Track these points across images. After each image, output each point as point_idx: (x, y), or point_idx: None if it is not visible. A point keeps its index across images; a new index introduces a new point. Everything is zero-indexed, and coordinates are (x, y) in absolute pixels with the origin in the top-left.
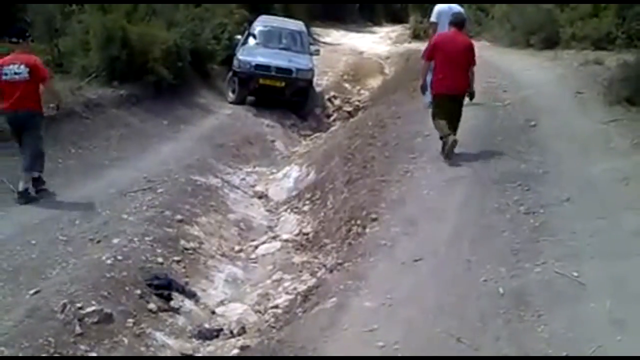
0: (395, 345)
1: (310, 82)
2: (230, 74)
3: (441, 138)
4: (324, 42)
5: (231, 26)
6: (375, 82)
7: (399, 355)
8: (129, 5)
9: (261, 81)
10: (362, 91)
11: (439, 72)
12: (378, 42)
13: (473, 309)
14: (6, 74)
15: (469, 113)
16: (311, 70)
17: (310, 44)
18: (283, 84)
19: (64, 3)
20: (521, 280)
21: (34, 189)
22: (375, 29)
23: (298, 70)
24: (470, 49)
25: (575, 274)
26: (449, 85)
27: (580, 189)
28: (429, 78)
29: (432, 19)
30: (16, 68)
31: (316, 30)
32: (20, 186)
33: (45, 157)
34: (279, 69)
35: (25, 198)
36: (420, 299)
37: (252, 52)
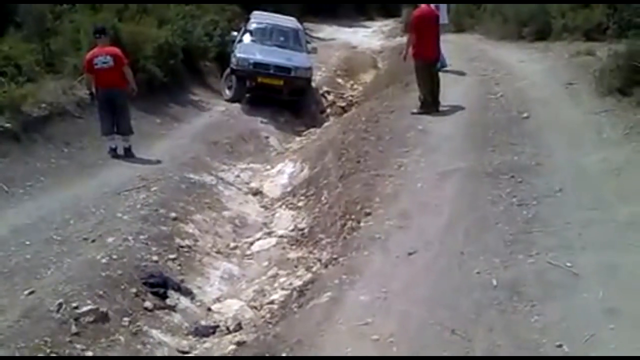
0: (390, 338)
1: (309, 81)
2: (228, 71)
3: (421, 102)
4: (316, 38)
5: (222, 23)
6: (368, 77)
7: (394, 348)
8: (120, 4)
9: (259, 79)
10: (355, 86)
11: (422, 42)
12: (370, 37)
13: (467, 301)
14: (97, 64)
15: (462, 105)
16: (310, 69)
17: (307, 41)
18: (281, 82)
19: (54, 3)
20: (515, 271)
21: (122, 149)
22: (368, 23)
23: (297, 68)
24: (437, 19)
25: (569, 264)
26: (428, 51)
27: (572, 180)
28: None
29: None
30: (103, 58)
31: (308, 25)
32: (119, 148)
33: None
34: (277, 68)
35: (127, 154)
36: (414, 291)
37: (250, 50)
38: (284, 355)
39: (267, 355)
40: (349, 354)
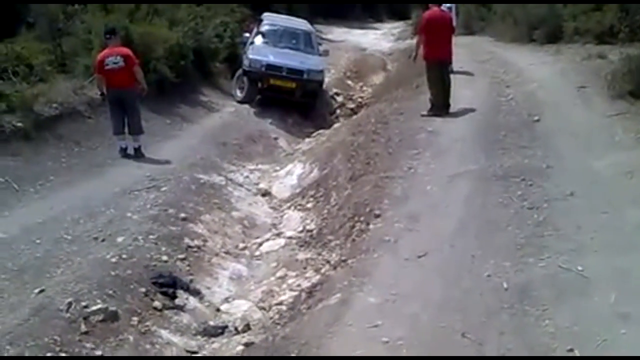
0: (399, 340)
1: (320, 83)
2: (240, 72)
3: (431, 103)
4: (326, 39)
5: (233, 24)
6: (377, 79)
7: (404, 350)
8: (131, 5)
9: (271, 81)
10: (364, 88)
11: (431, 43)
12: (380, 39)
13: (477, 304)
14: (107, 64)
15: (472, 107)
16: (322, 71)
17: (319, 44)
18: (294, 85)
19: (66, 3)
20: (525, 274)
21: (132, 149)
22: (377, 25)
23: (310, 71)
24: (451, 22)
25: (580, 268)
26: (440, 53)
27: (584, 183)
28: None
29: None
30: (114, 59)
31: (318, 27)
32: (129, 147)
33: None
34: (290, 70)
35: (137, 154)
36: (424, 294)
37: (263, 52)
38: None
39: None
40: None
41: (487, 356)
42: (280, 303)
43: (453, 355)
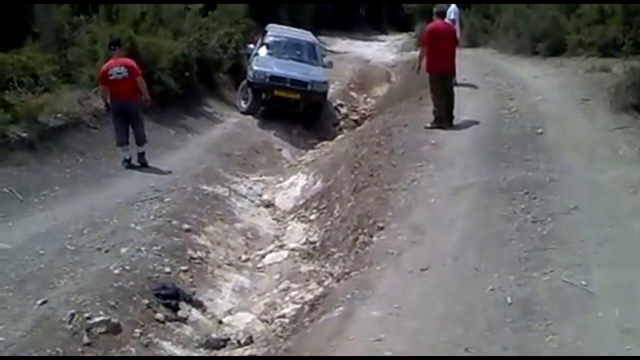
0: (402, 354)
1: (325, 95)
2: (244, 83)
3: (435, 116)
4: (330, 51)
5: (237, 35)
6: (381, 91)
7: None
8: (136, 15)
9: (275, 92)
10: (368, 99)
11: (434, 56)
12: (384, 50)
13: (481, 318)
14: (111, 75)
15: (475, 120)
16: (326, 83)
17: (323, 55)
18: (298, 96)
19: (72, 2)
20: (529, 289)
21: (137, 159)
22: (381, 37)
23: (314, 83)
24: (454, 34)
25: (584, 282)
26: (443, 65)
27: (588, 197)
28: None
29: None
30: (118, 69)
31: (322, 38)
32: (133, 158)
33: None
34: (294, 81)
35: (141, 162)
36: (427, 308)
37: (267, 63)
38: None
39: None
40: None
41: (485, 356)
42: (283, 316)
43: None
